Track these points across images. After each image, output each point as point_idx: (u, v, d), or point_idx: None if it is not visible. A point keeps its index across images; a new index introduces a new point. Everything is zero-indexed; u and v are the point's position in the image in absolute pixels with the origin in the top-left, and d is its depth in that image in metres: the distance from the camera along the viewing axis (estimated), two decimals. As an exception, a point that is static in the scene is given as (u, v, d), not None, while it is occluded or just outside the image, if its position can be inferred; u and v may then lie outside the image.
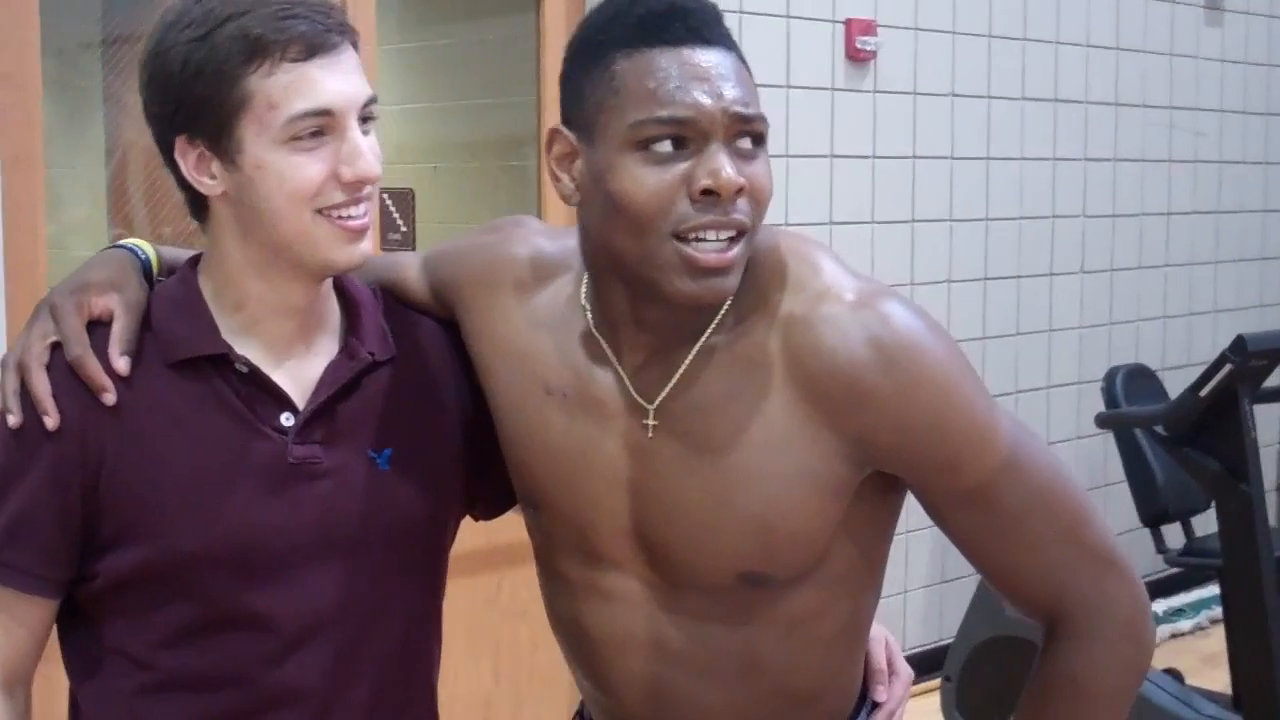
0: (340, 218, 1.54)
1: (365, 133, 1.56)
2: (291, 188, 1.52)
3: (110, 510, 1.55)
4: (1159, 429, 3.86)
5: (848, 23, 4.37)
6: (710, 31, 1.48)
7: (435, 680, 1.76)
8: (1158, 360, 5.29)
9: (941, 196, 4.73)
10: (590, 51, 1.50)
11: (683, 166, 1.46)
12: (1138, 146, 5.37)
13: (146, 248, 1.69)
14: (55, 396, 1.54)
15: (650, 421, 1.56)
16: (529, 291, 1.66)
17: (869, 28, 4.42)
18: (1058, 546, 1.55)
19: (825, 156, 4.36)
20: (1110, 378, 4.57)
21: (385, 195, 4.69)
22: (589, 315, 1.60)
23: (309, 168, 1.52)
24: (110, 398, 1.54)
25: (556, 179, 1.54)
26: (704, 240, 1.46)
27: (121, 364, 1.55)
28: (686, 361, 1.54)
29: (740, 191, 1.45)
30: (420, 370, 1.71)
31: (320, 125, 1.52)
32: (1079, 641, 1.56)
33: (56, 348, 1.56)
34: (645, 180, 1.46)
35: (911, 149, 4.62)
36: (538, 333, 1.64)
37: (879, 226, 4.54)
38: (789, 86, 4.22)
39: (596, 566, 1.62)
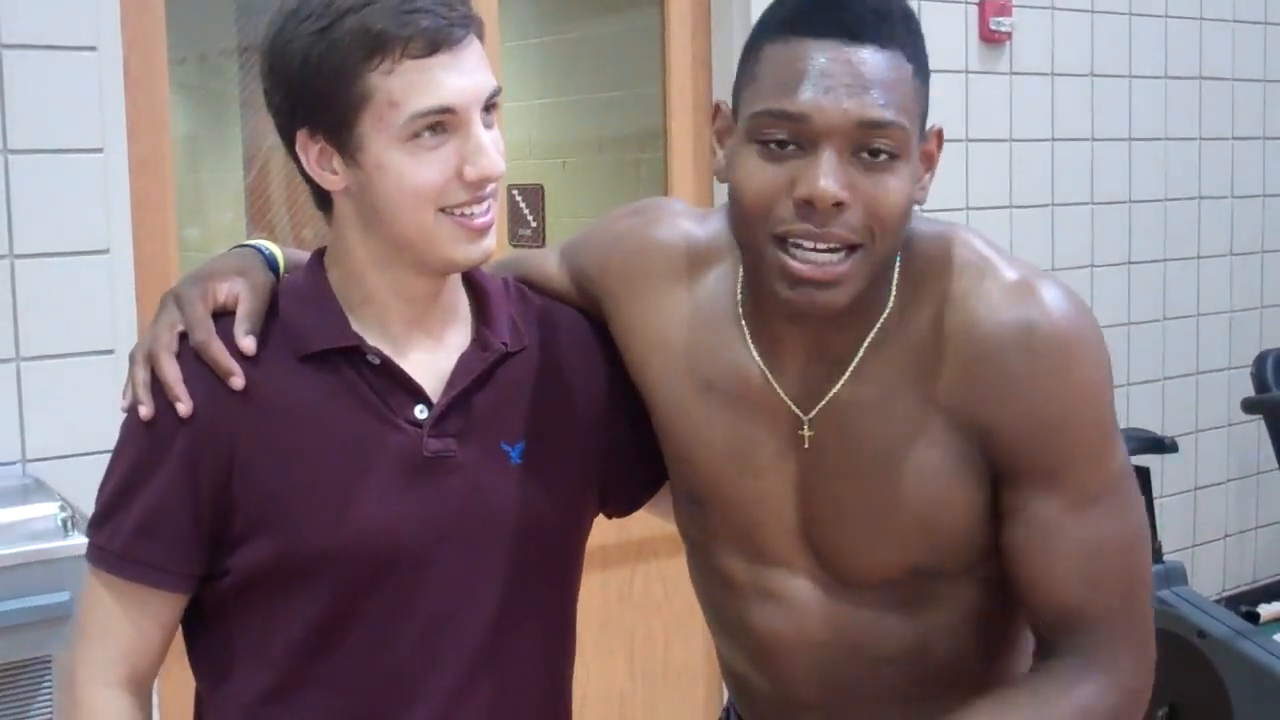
0: (464, 215, 1.51)
1: (490, 125, 1.52)
2: (413, 188, 1.48)
3: (242, 503, 1.53)
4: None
5: (981, 3, 4.28)
6: (865, 27, 1.40)
7: (569, 679, 1.72)
8: (1316, 343, 5.12)
9: (1082, 179, 4.61)
10: (753, 34, 1.47)
11: (791, 167, 1.40)
12: (1290, 121, 5.19)
13: (272, 247, 1.68)
14: (186, 383, 1.52)
15: (806, 432, 1.52)
16: (682, 282, 1.62)
17: (1003, 8, 4.31)
18: (1115, 603, 1.48)
19: (960, 141, 4.27)
20: (1260, 362, 4.40)
21: (515, 191, 4.71)
22: (742, 315, 1.57)
23: (430, 168, 1.48)
24: (238, 381, 1.52)
25: (714, 152, 1.52)
26: (801, 249, 1.40)
27: (247, 343, 1.53)
28: (853, 363, 1.50)
29: (841, 205, 1.39)
30: (556, 361, 1.67)
31: (442, 122, 1.47)
32: (1087, 669, 1.47)
33: (185, 337, 1.54)
34: (754, 174, 1.42)
35: (1050, 131, 4.51)
36: (695, 326, 1.60)
37: (1017, 211, 4.44)
38: (921, 71, 4.14)
39: (763, 565, 1.59)
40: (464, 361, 1.60)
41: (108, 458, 1.59)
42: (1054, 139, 4.53)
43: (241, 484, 1.52)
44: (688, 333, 1.61)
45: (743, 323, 1.56)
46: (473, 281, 1.66)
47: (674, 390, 1.61)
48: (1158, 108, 4.79)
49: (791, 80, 1.39)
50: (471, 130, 1.49)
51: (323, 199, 1.58)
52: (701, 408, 1.59)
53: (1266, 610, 4.66)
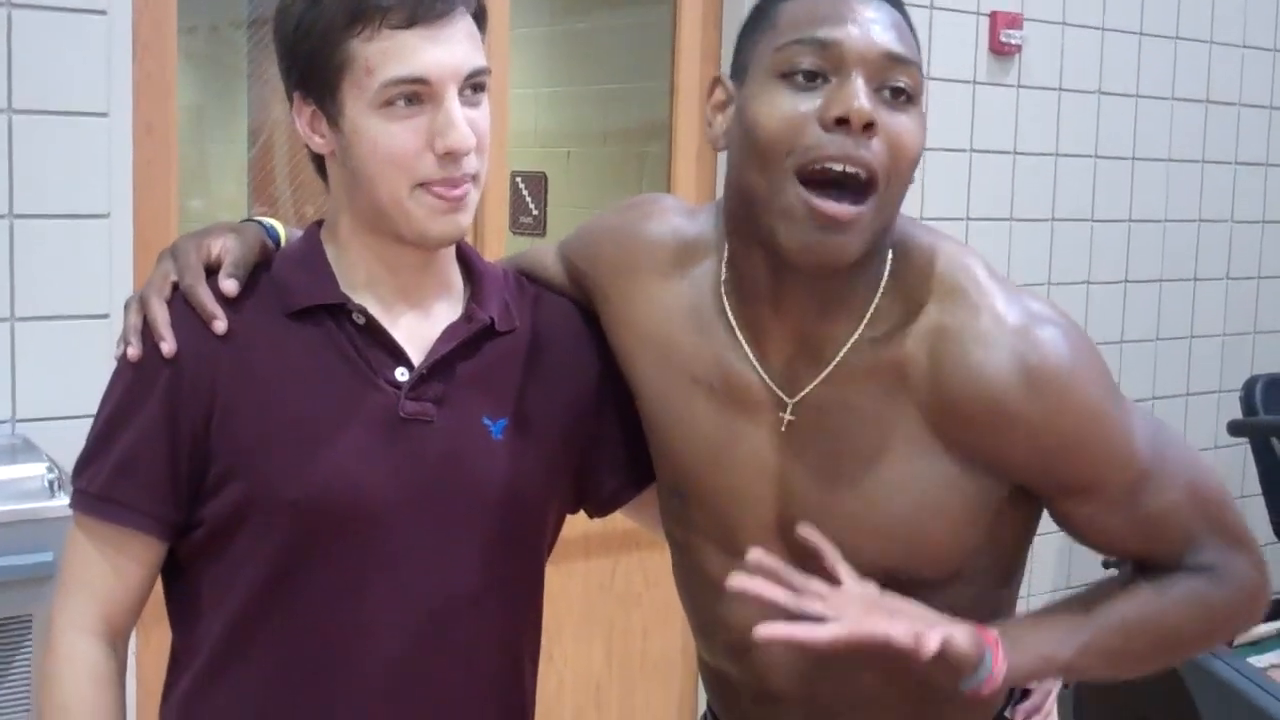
0: (437, 190, 1.53)
1: (475, 104, 1.54)
2: (385, 155, 1.52)
3: (218, 450, 1.55)
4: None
5: (993, 15, 4.28)
6: None
7: (529, 661, 1.72)
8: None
9: (1084, 196, 4.62)
10: (760, 5, 1.51)
11: (819, 94, 1.43)
12: (1292, 148, 5.20)
13: (276, 223, 1.71)
14: (173, 327, 1.56)
15: (787, 416, 1.53)
16: (670, 276, 1.64)
17: (1015, 21, 4.32)
18: (1198, 533, 1.53)
19: (964, 151, 4.28)
20: (1249, 386, 4.43)
21: (518, 178, 4.71)
22: (727, 305, 1.58)
23: (401, 136, 1.51)
24: (220, 325, 1.55)
25: (709, 124, 1.54)
26: (826, 187, 1.41)
27: (229, 285, 1.57)
28: (835, 360, 1.51)
29: (871, 128, 1.41)
30: (546, 348, 1.69)
31: (414, 92, 1.51)
32: (1205, 575, 1.54)
33: (177, 287, 1.59)
34: (780, 105, 1.43)
35: (1055, 146, 4.52)
36: (681, 320, 1.62)
37: (1018, 224, 4.44)
38: (929, 79, 4.12)
39: (741, 560, 1.58)
40: (449, 330, 1.62)
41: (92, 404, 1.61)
42: (1058, 154, 4.53)
43: (219, 429, 1.55)
44: (673, 326, 1.62)
45: (728, 313, 1.57)
46: (469, 264, 1.68)
47: (660, 383, 1.63)
48: (1162, 128, 4.79)
49: (818, 15, 1.44)
50: (445, 104, 1.51)
51: (320, 165, 1.63)
52: (686, 401, 1.60)
53: (1245, 634, 4.66)
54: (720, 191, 3.81)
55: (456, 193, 1.54)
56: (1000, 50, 4.32)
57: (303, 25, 1.53)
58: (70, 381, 2.72)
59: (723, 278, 1.59)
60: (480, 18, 1.58)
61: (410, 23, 1.50)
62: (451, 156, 1.52)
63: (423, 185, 1.53)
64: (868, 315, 1.50)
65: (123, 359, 1.58)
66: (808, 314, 1.51)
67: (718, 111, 1.54)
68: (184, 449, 1.55)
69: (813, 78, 1.43)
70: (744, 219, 1.50)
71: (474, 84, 1.54)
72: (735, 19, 3.80)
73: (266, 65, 5.15)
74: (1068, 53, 4.51)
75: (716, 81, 1.55)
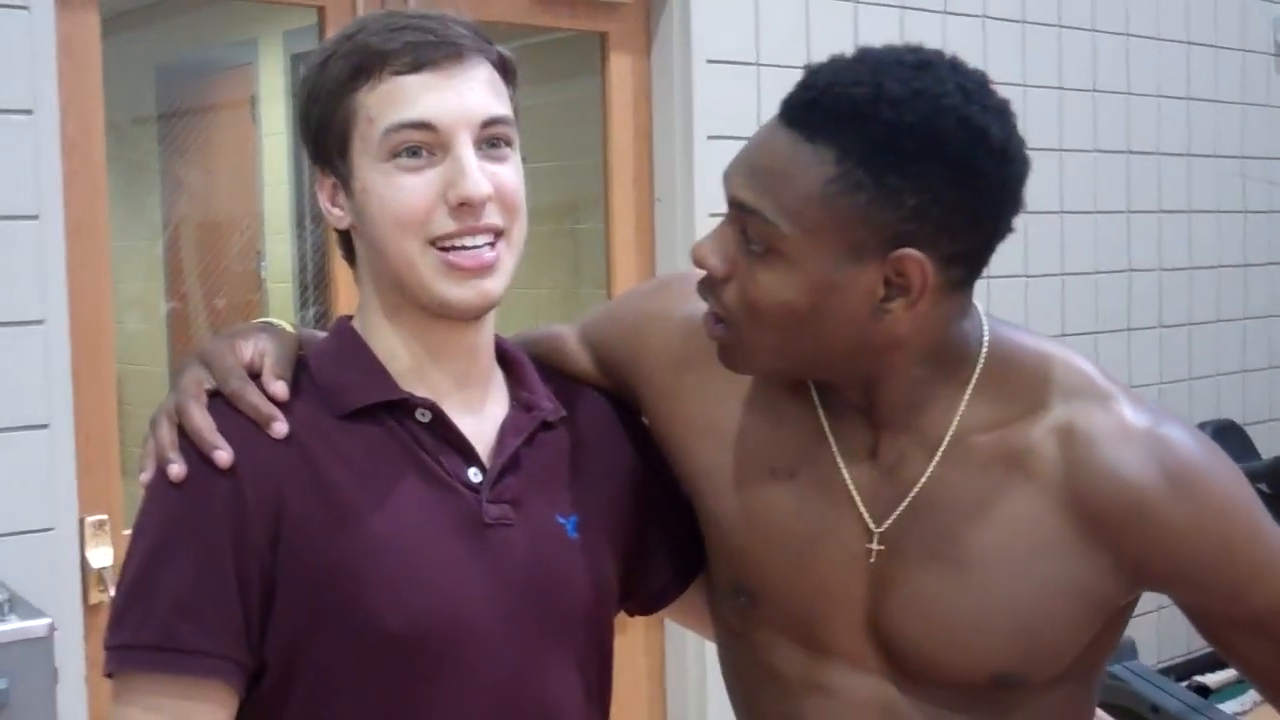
0: (453, 250, 1.38)
1: (498, 159, 1.40)
2: (394, 210, 1.37)
3: (286, 573, 1.34)
4: (1262, 486, 3.74)
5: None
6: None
7: None
8: (1239, 414, 5.15)
9: (1015, 252, 4.62)
10: None
11: None
12: (1212, 197, 5.24)
13: (285, 324, 1.54)
14: (221, 435, 1.35)
15: (876, 535, 1.43)
16: None
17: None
18: None
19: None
20: (1199, 433, 4.42)
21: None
22: (813, 389, 1.47)
23: (409, 188, 1.37)
24: (280, 427, 1.36)
25: None
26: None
27: (278, 387, 1.38)
28: (941, 448, 1.42)
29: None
30: (588, 439, 1.55)
31: (420, 141, 1.37)
32: None
33: (214, 395, 1.39)
34: None
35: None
36: (755, 408, 1.50)
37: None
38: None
39: (821, 660, 1.48)
40: (511, 422, 1.47)
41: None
42: (989, 276, 4.51)
43: (289, 553, 1.34)
44: (745, 415, 1.51)
45: (815, 398, 1.47)
46: (504, 353, 1.53)
47: (729, 476, 1.51)
48: (1088, 181, 4.82)
49: None
50: (455, 150, 1.37)
51: (348, 248, 1.49)
52: (762, 492, 1.48)
53: (1214, 680, 4.63)
54: (659, 263, 3.77)
55: (482, 257, 1.39)
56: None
57: (313, 93, 1.42)
58: (12, 496, 2.58)
59: None
60: (506, 71, 1.45)
61: (415, 68, 1.37)
62: (467, 208, 1.37)
63: (436, 244, 1.38)
64: (959, 408, 1.41)
65: (156, 483, 1.35)
66: (896, 409, 1.42)
67: None
68: (253, 577, 1.33)
69: None
70: None
71: (493, 135, 1.40)
72: (664, 95, 3.76)
73: (175, 160, 5.07)
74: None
75: None
